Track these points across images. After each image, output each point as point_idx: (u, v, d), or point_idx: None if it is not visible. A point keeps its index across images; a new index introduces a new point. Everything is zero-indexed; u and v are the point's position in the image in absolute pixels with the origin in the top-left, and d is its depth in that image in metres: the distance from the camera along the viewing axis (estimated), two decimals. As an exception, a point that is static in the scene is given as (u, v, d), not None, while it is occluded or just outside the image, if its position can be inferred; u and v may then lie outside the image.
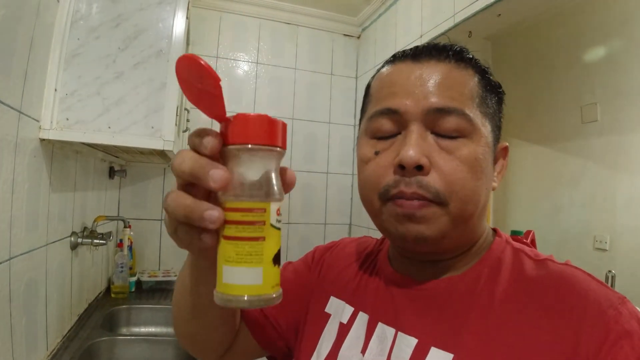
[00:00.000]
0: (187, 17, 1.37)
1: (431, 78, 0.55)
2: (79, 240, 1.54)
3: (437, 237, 0.54)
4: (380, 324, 0.60)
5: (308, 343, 0.68)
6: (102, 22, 1.26)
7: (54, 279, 1.32)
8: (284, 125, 0.41)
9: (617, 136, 2.64)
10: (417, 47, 0.60)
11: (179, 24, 1.32)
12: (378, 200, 0.56)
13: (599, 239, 2.69)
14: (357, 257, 0.74)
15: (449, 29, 2.02)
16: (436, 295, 0.58)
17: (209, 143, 0.39)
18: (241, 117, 0.39)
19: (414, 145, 0.52)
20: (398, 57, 0.61)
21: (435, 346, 0.53)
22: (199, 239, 0.39)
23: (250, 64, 2.74)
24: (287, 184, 0.42)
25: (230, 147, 0.39)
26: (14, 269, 1.01)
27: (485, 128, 0.56)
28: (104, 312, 1.79)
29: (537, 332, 0.48)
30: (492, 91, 0.59)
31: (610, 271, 1.73)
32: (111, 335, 1.60)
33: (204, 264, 0.53)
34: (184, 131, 1.81)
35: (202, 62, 0.35)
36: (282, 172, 0.42)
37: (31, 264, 1.13)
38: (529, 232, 1.99)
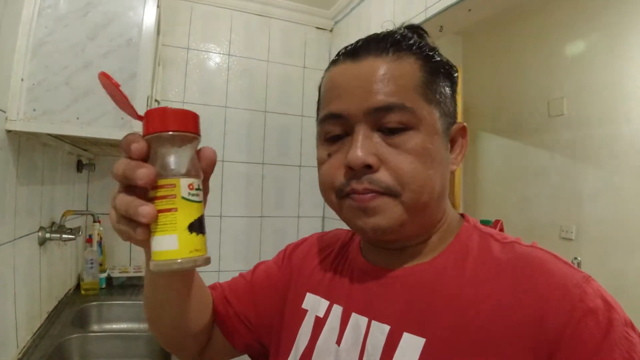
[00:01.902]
0: (157, 6, 1.34)
1: (369, 76, 0.56)
2: (47, 235, 1.50)
3: (394, 226, 0.56)
4: (354, 314, 0.61)
5: (286, 340, 0.69)
6: (71, 10, 1.22)
7: (22, 276, 1.28)
8: (183, 113, 0.47)
9: (583, 129, 2.72)
10: (358, 41, 0.60)
11: (150, 13, 1.30)
12: (335, 197, 0.59)
13: (565, 229, 2.78)
14: (330, 251, 0.75)
15: (421, 23, 2.03)
16: (407, 282, 0.59)
17: (135, 148, 0.46)
18: (146, 113, 0.47)
19: (360, 147, 0.54)
20: (340, 56, 0.61)
21: (408, 331, 0.54)
22: (135, 232, 0.47)
23: (222, 55, 2.70)
24: (203, 159, 0.50)
25: (145, 139, 0.47)
26: (-19, 265, 0.98)
27: (431, 115, 0.56)
28: (74, 309, 1.75)
29: (505, 313, 0.50)
30: (441, 73, 0.60)
31: (576, 258, 1.79)
32: (83, 332, 1.56)
33: None
34: (156, 123, 1.77)
35: (104, 73, 0.46)
36: (199, 152, 0.50)
37: (-2, 260, 1.09)
38: (497, 221, 2.04)
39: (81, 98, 1.22)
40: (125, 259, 2.47)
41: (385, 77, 0.55)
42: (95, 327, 1.84)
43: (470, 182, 3.63)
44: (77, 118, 1.22)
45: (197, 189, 0.47)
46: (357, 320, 0.60)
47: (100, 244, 2.23)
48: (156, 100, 1.79)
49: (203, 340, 0.74)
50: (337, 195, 0.59)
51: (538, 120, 3.01)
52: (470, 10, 1.94)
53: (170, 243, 0.45)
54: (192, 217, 0.46)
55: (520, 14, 3.08)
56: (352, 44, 0.61)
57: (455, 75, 0.63)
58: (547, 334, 0.46)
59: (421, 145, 0.55)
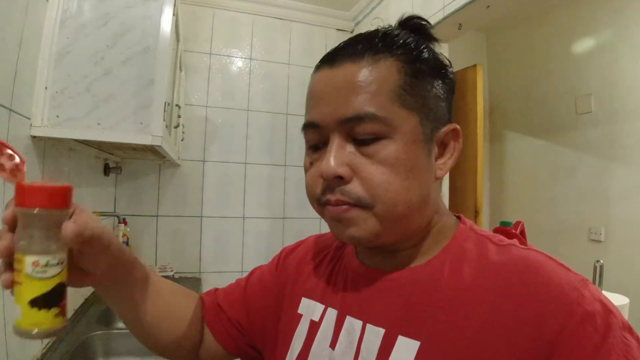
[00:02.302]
0: (174, 14, 1.38)
1: (342, 84, 0.54)
2: (74, 236, 1.56)
3: (368, 237, 0.55)
4: (348, 318, 0.61)
5: (281, 345, 0.70)
6: (91, 20, 1.27)
7: (48, 274, 1.34)
8: (39, 190, 0.47)
9: (612, 127, 2.65)
10: (339, 44, 0.59)
11: (166, 21, 1.34)
12: (317, 205, 0.59)
13: (594, 231, 2.71)
14: (326, 253, 0.75)
15: (440, 22, 2.04)
16: (401, 285, 0.58)
17: (4, 216, 0.48)
18: (15, 184, 0.49)
19: (332, 158, 0.54)
20: (321, 62, 0.60)
21: (403, 335, 0.54)
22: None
23: (244, 60, 2.76)
24: (62, 235, 0.48)
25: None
26: (6, 264, 1.03)
27: (408, 122, 0.54)
28: (100, 307, 1.82)
29: (501, 317, 0.49)
30: (427, 73, 0.57)
31: (598, 261, 1.73)
32: (107, 329, 1.62)
33: (102, 291, 0.66)
34: (175, 127, 1.83)
35: None
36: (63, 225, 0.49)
37: (24, 259, 1.15)
38: (518, 222, 2.00)
39: (102, 104, 1.27)
40: (152, 259, 2.54)
41: (357, 84, 0.54)
42: (120, 325, 1.91)
43: (496, 183, 3.57)
44: (98, 123, 1.27)
45: (45, 266, 0.47)
46: (352, 324, 0.60)
47: (127, 244, 2.31)
48: (177, 105, 1.84)
49: (188, 346, 0.76)
50: (317, 203, 0.59)
51: (565, 118, 2.95)
52: (488, 6, 1.93)
53: (18, 312, 0.47)
54: (35, 293, 0.47)
55: (543, 9, 3.02)
56: (334, 47, 0.59)
57: (450, 73, 0.60)
58: (543, 337, 0.46)
59: (394, 155, 0.53)
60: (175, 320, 0.74)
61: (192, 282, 2.45)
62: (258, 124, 2.75)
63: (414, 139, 0.54)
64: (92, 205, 1.91)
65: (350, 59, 0.55)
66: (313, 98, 0.58)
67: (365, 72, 0.54)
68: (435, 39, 0.61)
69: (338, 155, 0.54)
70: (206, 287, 2.51)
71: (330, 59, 0.57)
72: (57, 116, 1.23)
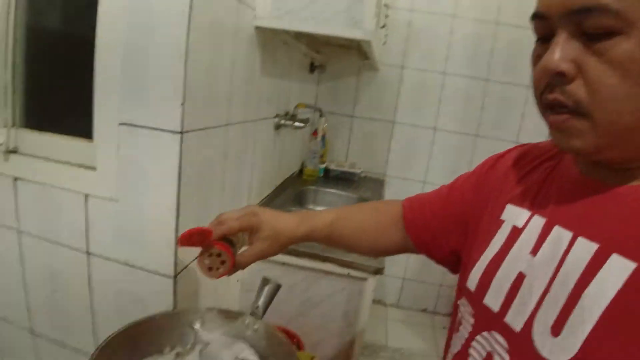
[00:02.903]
0: None
1: None
2: (282, 122, 1.76)
3: (591, 150, 0.50)
4: (557, 227, 0.56)
5: (479, 247, 0.68)
6: None
7: (260, 150, 1.56)
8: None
9: None
10: None
11: None
12: (539, 104, 0.54)
13: None
14: (541, 162, 0.69)
15: None
16: (627, 201, 0.51)
17: None
18: None
19: (555, 53, 0.48)
20: None
21: (618, 253, 0.48)
22: None
23: (446, 16, 2.55)
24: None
25: None
26: (229, 135, 1.23)
27: None
28: (296, 189, 2.07)
29: None
30: None
31: None
32: (300, 208, 1.85)
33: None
34: (382, 27, 1.85)
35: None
36: None
37: (243, 133, 1.35)
38: None
39: (316, -1, 1.35)
40: (343, 155, 2.74)
41: None
42: (310, 207, 2.15)
43: None
44: (313, 17, 1.36)
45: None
46: (560, 234, 0.55)
47: (323, 138, 2.51)
48: (385, 5, 1.84)
49: (395, 249, 0.90)
50: (539, 102, 0.54)
51: None
52: None
53: None
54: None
55: None
56: None
57: None
58: None
59: (628, 55, 0.44)
60: (371, 238, 0.90)
61: (376, 183, 2.59)
62: (463, 32, 2.57)
63: None
64: (298, 97, 2.10)
65: None
66: None
67: None
68: None
69: (562, 50, 0.48)
70: (388, 190, 2.63)
71: None
72: (278, 9, 1.34)
